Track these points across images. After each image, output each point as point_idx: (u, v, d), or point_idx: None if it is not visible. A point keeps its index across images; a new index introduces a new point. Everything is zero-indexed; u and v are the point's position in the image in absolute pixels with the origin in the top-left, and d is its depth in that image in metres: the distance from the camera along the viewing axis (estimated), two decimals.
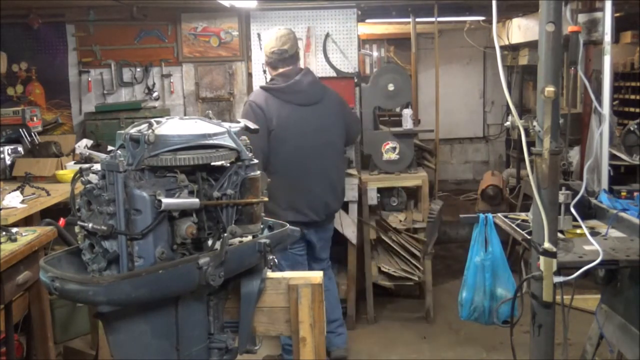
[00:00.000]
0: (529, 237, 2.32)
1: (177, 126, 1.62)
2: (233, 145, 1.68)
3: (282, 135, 3.51)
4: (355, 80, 4.68)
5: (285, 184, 3.50)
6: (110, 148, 4.00)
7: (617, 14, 5.41)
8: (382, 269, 4.53)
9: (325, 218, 3.76)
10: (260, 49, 5.02)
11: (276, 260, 3.55)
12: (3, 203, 3.35)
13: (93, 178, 1.57)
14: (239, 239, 1.72)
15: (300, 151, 3.56)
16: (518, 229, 2.57)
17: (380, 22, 7.07)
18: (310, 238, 3.70)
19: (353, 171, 4.53)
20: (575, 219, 2.60)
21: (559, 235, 2.34)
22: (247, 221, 1.70)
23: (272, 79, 3.66)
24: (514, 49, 6.71)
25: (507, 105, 4.20)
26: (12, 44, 5.25)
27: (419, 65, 7.61)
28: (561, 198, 2.50)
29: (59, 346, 3.70)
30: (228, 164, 1.71)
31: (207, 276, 1.55)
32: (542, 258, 2.15)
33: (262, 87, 3.65)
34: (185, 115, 4.10)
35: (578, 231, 2.58)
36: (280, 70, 3.61)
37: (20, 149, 4.59)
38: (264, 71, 4.97)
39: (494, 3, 2.18)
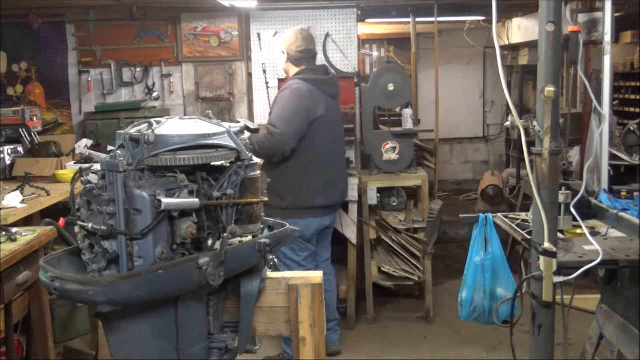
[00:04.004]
0: (529, 237, 2.31)
1: (177, 126, 1.62)
2: (233, 145, 1.68)
3: (322, 124, 3.71)
4: (355, 80, 4.68)
5: (319, 170, 3.72)
6: (110, 148, 4.02)
7: (617, 14, 5.41)
8: (382, 269, 4.53)
9: (341, 202, 4.06)
10: (260, 49, 5.03)
11: (287, 253, 3.48)
12: (3, 203, 3.35)
13: (93, 178, 1.57)
14: (239, 239, 1.72)
15: (330, 140, 3.80)
16: (518, 229, 2.56)
17: (380, 22, 7.08)
18: (325, 223, 3.87)
19: (353, 171, 4.53)
20: (575, 219, 2.60)
21: (559, 235, 2.34)
22: (247, 221, 1.70)
23: (299, 73, 3.76)
24: (514, 49, 6.71)
25: (507, 105, 4.19)
26: (12, 44, 5.26)
27: (419, 65, 7.61)
28: (561, 198, 2.50)
29: (59, 346, 3.69)
30: (228, 164, 1.71)
31: (207, 276, 1.55)
32: (542, 258, 2.15)
33: (300, 78, 3.71)
34: (185, 115, 4.10)
35: (578, 231, 2.58)
36: (304, 66, 3.79)
37: (20, 149, 4.58)
38: (264, 71, 5.00)
39: (494, 3, 2.18)
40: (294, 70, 3.80)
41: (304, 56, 3.77)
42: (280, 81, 4.66)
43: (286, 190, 3.62)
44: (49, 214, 3.46)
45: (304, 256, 3.76)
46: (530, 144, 2.17)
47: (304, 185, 3.66)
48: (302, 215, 3.63)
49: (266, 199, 1.76)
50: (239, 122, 1.82)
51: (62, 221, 3.06)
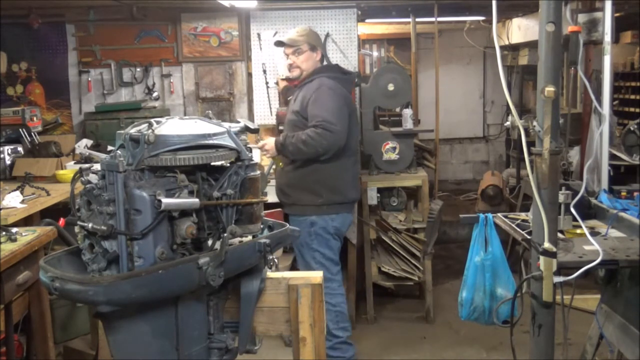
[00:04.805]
0: (529, 237, 2.31)
1: (177, 126, 1.62)
2: (233, 145, 1.68)
3: (352, 119, 3.74)
4: (356, 80, 4.67)
5: (350, 164, 3.76)
6: (110, 148, 4.02)
7: (617, 14, 5.41)
8: (382, 269, 4.53)
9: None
10: (260, 49, 5.04)
11: (325, 253, 3.58)
12: (3, 203, 3.35)
13: (93, 178, 1.57)
14: (239, 239, 1.72)
15: (356, 135, 3.89)
16: (518, 229, 2.56)
17: (380, 22, 7.08)
18: (352, 219, 3.94)
19: None
20: (575, 219, 2.60)
21: (559, 235, 2.34)
22: (247, 221, 1.70)
23: (321, 71, 3.70)
24: (514, 49, 6.71)
25: (507, 105, 4.19)
26: (12, 44, 5.25)
27: (419, 65, 7.61)
28: (561, 198, 2.49)
29: (59, 346, 3.69)
30: (228, 164, 1.71)
31: (207, 276, 1.55)
32: (542, 258, 2.15)
33: (326, 76, 3.65)
34: (185, 115, 4.09)
35: (578, 231, 2.58)
36: (323, 64, 3.80)
37: (20, 149, 4.58)
38: (264, 71, 5.00)
39: (494, 3, 2.18)
40: (315, 67, 3.72)
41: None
42: (286, 80, 4.63)
43: (321, 186, 3.59)
44: (49, 214, 3.46)
45: (336, 254, 3.75)
46: (530, 144, 2.17)
47: (340, 179, 3.65)
48: (338, 210, 3.64)
49: (266, 198, 1.76)
50: (239, 122, 1.82)
51: (62, 221, 3.06)
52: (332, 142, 3.48)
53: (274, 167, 3.82)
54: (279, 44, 3.81)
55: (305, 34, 3.73)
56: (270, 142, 3.61)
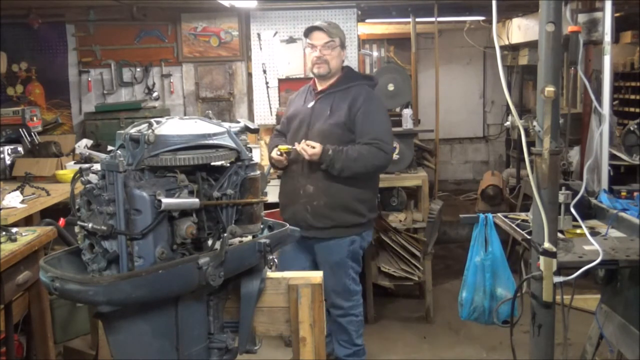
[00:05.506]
0: (529, 237, 2.31)
1: (177, 126, 1.62)
2: (233, 145, 1.68)
3: None
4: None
5: (379, 178, 3.60)
6: (110, 148, 4.02)
7: (617, 14, 5.41)
8: (382, 269, 4.52)
9: None
10: (260, 49, 5.04)
11: (354, 266, 3.42)
12: (3, 203, 3.35)
13: (93, 178, 1.57)
14: (239, 239, 1.72)
15: None
16: (518, 229, 2.56)
17: (380, 22, 7.08)
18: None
19: None
20: (575, 219, 2.60)
21: (559, 235, 2.34)
22: (247, 221, 1.70)
23: (357, 75, 3.51)
24: (514, 49, 6.71)
25: (507, 105, 4.19)
26: (12, 44, 5.26)
27: (419, 65, 7.61)
28: (561, 198, 2.49)
29: (59, 346, 3.69)
30: (228, 164, 1.71)
31: (207, 276, 1.55)
32: (542, 258, 2.15)
33: (370, 85, 3.43)
34: (185, 115, 4.09)
35: (578, 231, 2.58)
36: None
37: (20, 149, 4.59)
38: (264, 71, 5.01)
39: (494, 3, 2.18)
40: (340, 68, 3.37)
41: None
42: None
43: (363, 205, 3.36)
44: (49, 214, 3.46)
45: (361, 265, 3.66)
46: (530, 144, 2.17)
47: (374, 197, 3.52)
48: (373, 226, 3.57)
49: (266, 198, 1.76)
50: (239, 122, 1.82)
51: (62, 221, 3.06)
52: (383, 164, 3.30)
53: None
54: (310, 30, 3.33)
55: (338, 29, 3.35)
56: (318, 150, 3.17)
